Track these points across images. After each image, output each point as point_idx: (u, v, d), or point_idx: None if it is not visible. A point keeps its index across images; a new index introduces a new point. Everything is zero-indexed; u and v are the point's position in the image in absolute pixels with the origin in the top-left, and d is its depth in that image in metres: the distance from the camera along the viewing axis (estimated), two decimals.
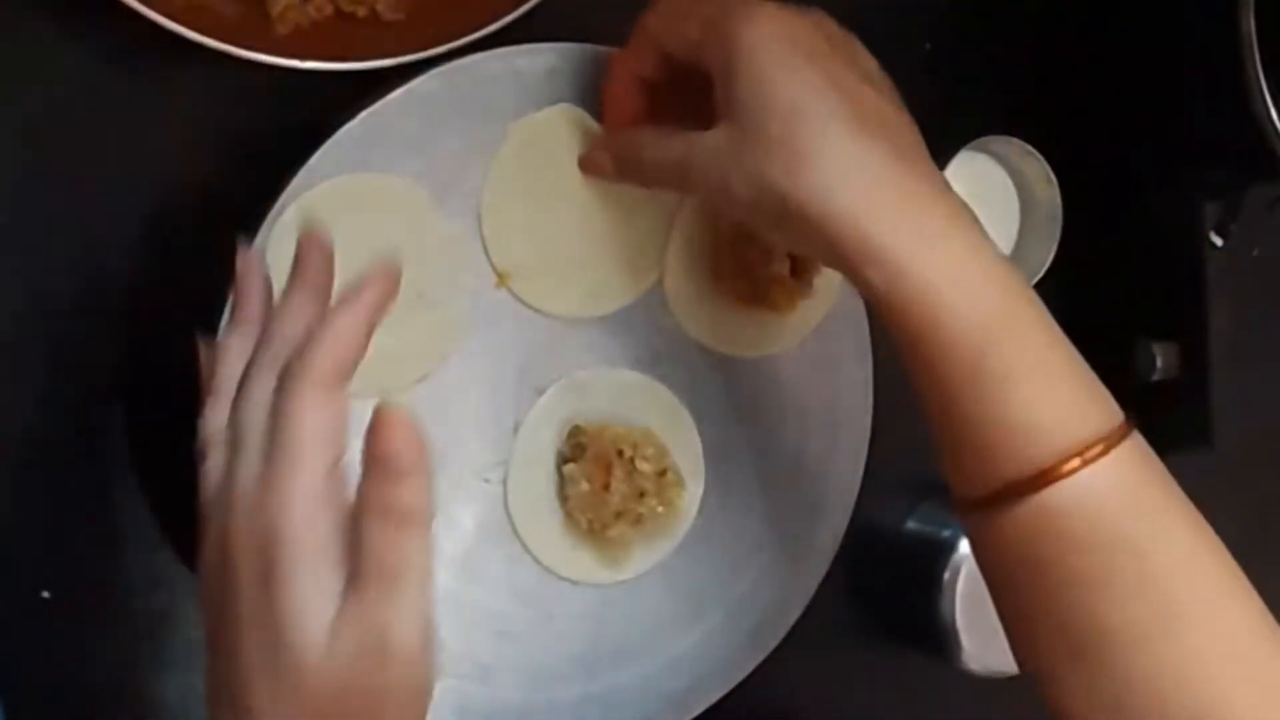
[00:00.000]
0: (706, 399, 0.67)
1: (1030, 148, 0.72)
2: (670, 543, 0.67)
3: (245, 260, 0.54)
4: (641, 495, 0.64)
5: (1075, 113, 0.75)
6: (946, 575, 0.72)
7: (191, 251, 0.61)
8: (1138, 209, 0.75)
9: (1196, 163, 0.73)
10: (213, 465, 0.49)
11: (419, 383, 0.62)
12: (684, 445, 0.66)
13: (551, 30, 0.61)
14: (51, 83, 0.59)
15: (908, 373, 0.55)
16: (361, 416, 0.46)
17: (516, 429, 0.64)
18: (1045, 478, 0.52)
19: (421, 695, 0.47)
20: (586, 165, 0.62)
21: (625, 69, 0.60)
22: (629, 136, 0.61)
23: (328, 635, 0.45)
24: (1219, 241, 0.72)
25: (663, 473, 0.65)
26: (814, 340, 0.68)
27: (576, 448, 0.64)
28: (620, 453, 0.64)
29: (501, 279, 0.63)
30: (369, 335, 0.49)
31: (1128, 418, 0.54)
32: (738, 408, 0.68)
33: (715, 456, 0.67)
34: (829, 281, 0.67)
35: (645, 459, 0.64)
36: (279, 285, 0.53)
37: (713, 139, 0.56)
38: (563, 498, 0.65)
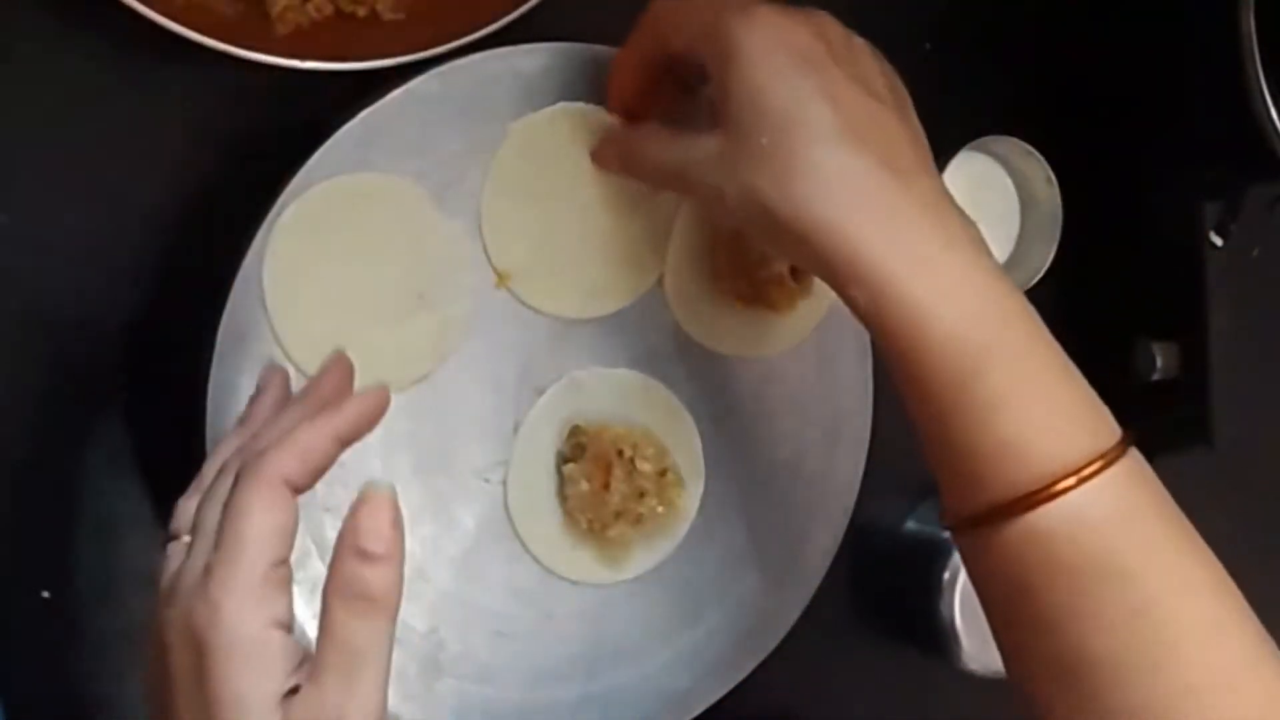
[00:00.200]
0: (706, 399, 0.67)
1: (1030, 148, 0.72)
2: (670, 543, 0.67)
3: (268, 372, 0.57)
4: (641, 495, 0.64)
5: (1075, 113, 0.75)
6: (946, 575, 0.72)
7: (192, 251, 0.61)
8: (1138, 209, 0.75)
9: (1196, 163, 0.73)
10: (171, 554, 0.49)
11: (419, 383, 0.62)
12: (684, 445, 0.66)
13: (551, 30, 0.61)
14: (51, 83, 0.59)
15: (896, 388, 0.54)
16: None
17: (516, 429, 0.64)
18: (1031, 500, 0.51)
19: None
20: (597, 158, 0.62)
21: (630, 61, 0.60)
22: (634, 135, 0.61)
23: None
24: (1219, 241, 0.72)
25: (663, 473, 0.65)
26: (814, 340, 0.68)
27: (576, 448, 0.64)
28: (620, 453, 0.64)
29: (501, 279, 0.63)
30: (337, 448, 0.49)
31: (1125, 437, 0.52)
32: (738, 408, 0.68)
33: (715, 456, 0.67)
34: None
35: (645, 459, 0.64)
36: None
37: (708, 146, 0.55)
38: (563, 498, 0.65)
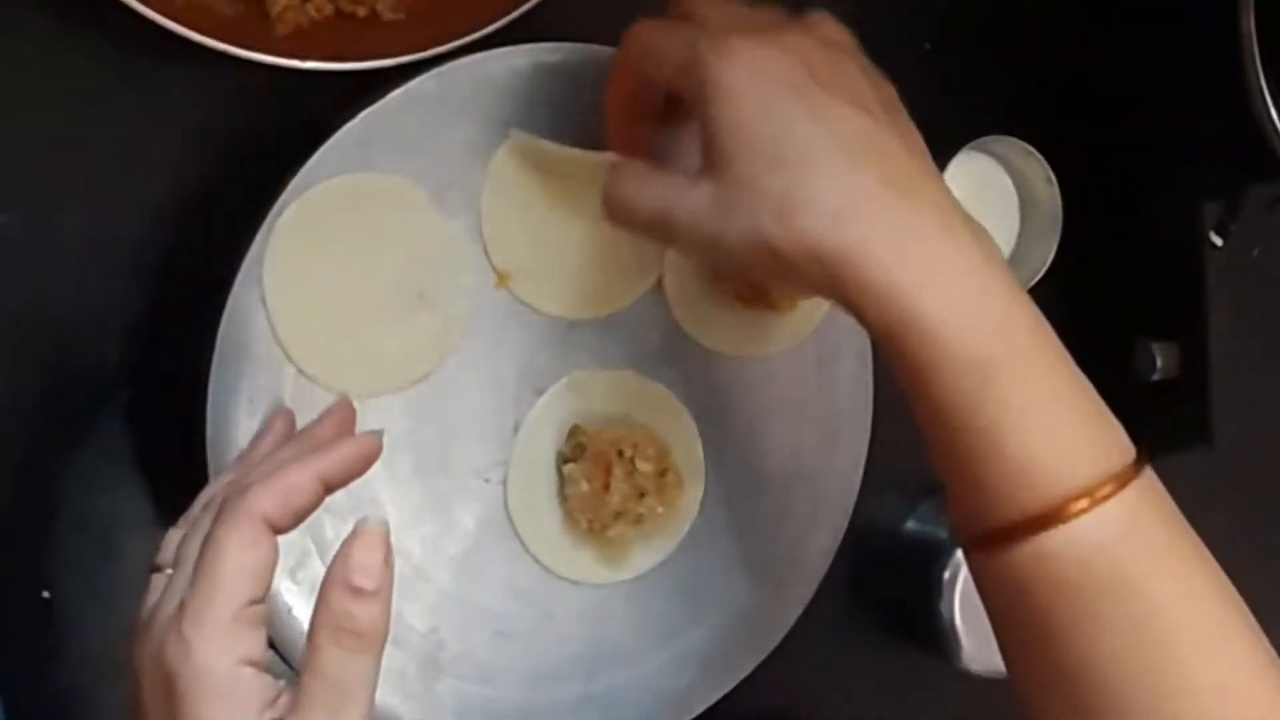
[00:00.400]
0: (706, 399, 0.67)
1: (1030, 148, 0.72)
2: (670, 543, 0.67)
3: (274, 413, 0.57)
4: (641, 495, 0.64)
5: (1075, 113, 0.75)
6: (946, 575, 0.72)
7: (191, 251, 0.61)
8: (1138, 209, 0.75)
9: (1196, 163, 0.73)
10: (153, 586, 0.49)
11: (419, 383, 0.62)
12: (684, 445, 0.66)
13: (551, 30, 0.61)
14: (51, 83, 0.59)
15: (908, 404, 0.53)
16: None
17: (516, 429, 0.64)
18: (1041, 522, 0.50)
19: None
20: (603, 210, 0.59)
21: (616, 95, 0.59)
22: (615, 180, 0.57)
23: None
24: (1219, 241, 0.72)
25: (663, 473, 0.65)
26: (814, 340, 0.68)
27: (576, 448, 0.64)
28: (620, 453, 0.64)
29: (501, 279, 0.63)
30: (321, 489, 0.49)
31: (1138, 458, 0.52)
32: (738, 408, 0.68)
33: (715, 456, 0.67)
34: None
35: (645, 459, 0.64)
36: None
37: (696, 198, 0.53)
38: (563, 498, 0.65)
